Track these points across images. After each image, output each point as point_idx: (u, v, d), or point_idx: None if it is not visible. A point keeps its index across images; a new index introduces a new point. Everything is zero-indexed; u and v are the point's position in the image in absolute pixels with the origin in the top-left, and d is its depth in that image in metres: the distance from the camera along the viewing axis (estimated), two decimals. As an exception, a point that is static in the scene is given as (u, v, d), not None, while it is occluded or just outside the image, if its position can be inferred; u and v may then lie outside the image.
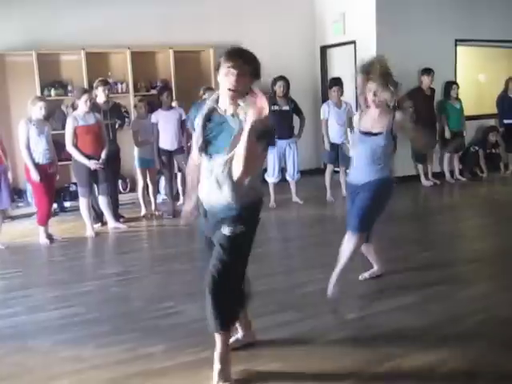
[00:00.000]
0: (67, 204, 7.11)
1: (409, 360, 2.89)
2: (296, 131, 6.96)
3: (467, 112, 8.12)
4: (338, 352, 3.04)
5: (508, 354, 2.94)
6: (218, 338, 2.71)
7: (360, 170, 3.77)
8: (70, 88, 7.06)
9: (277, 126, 6.34)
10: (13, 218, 6.71)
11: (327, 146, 6.99)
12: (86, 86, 6.76)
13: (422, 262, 4.52)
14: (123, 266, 4.80)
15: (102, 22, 7.11)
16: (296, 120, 6.93)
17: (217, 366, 2.72)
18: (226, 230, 2.61)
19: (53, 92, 6.89)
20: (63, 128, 6.94)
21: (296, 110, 6.91)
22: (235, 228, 2.60)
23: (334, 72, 8.59)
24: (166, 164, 6.53)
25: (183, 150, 6.45)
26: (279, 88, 6.75)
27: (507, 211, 6.45)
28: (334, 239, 5.31)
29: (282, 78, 6.77)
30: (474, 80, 8.83)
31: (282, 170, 6.96)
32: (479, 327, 3.26)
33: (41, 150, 5.45)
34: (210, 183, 2.60)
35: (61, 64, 7.18)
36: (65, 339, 3.34)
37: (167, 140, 6.42)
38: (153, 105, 6.74)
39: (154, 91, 7.36)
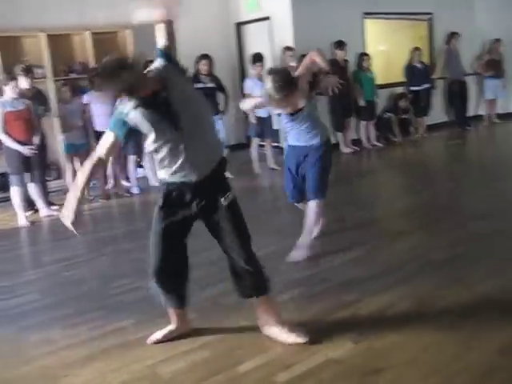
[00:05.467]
0: (-9, 196, 6.81)
1: (364, 305, 3.20)
2: (221, 108, 7.10)
3: (378, 81, 8.61)
4: (295, 306, 3.27)
5: (448, 290, 3.31)
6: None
7: None
8: (-17, 76, 6.71)
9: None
10: None
11: (253, 120, 7.18)
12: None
13: (358, 221, 4.88)
14: (68, 251, 4.72)
15: (11, 5, 6.79)
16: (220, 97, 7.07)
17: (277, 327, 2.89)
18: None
19: (-34, 81, 6.51)
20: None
21: (220, 86, 7.03)
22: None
23: (250, 48, 8.69)
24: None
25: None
26: (203, 66, 6.84)
27: (421, 170, 7.03)
28: (278, 206, 5.62)
29: (205, 56, 6.86)
30: (382, 51, 9.34)
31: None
32: (419, 271, 3.63)
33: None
34: None
35: (-30, 51, 6.79)
36: (29, 325, 3.32)
37: (103, 122, 6.28)
38: (76, 88, 6.58)
39: (73, 75, 7.18)
